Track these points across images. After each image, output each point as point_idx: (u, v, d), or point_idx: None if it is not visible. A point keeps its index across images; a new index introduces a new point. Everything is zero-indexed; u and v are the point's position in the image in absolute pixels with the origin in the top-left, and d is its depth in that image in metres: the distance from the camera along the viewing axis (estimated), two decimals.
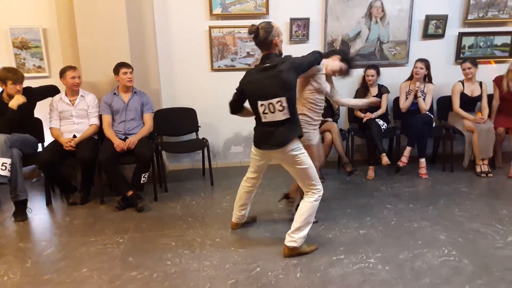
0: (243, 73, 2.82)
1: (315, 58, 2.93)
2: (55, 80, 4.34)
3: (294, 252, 2.96)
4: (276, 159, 2.96)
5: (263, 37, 2.76)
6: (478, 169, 4.58)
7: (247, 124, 4.93)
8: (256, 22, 4.61)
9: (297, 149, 2.84)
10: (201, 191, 4.33)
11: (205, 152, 4.59)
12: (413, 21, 4.91)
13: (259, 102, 2.79)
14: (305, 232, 2.95)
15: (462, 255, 2.96)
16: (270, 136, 2.82)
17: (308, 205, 2.93)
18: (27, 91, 3.97)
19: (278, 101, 2.72)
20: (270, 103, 2.74)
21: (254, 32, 2.79)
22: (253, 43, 4.63)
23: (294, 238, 2.93)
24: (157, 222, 3.61)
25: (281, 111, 2.74)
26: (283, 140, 2.79)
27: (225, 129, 5.03)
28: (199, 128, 4.76)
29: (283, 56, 2.89)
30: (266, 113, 2.79)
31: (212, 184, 4.50)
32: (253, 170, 3.23)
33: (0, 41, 4.56)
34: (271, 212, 3.75)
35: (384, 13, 4.84)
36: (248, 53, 4.78)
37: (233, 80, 4.80)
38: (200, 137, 4.73)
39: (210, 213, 3.77)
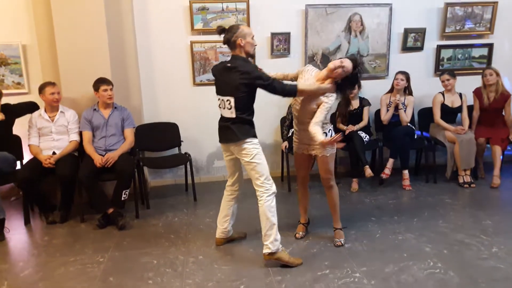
0: None
1: (283, 90, 2.94)
2: (34, 97, 4.26)
3: (272, 258, 2.97)
4: (234, 153, 3.08)
5: (226, 38, 2.94)
6: (461, 180, 4.62)
7: None
8: None
9: (250, 143, 2.96)
10: (183, 207, 4.27)
11: (188, 167, 4.54)
12: (392, 35, 4.98)
13: (217, 96, 3.04)
14: (273, 235, 2.95)
15: (448, 267, 2.95)
16: (223, 130, 3.07)
17: (261, 209, 2.97)
18: (5, 108, 3.90)
19: (227, 100, 2.93)
20: (222, 100, 2.98)
21: (220, 32, 2.97)
22: None
23: (266, 244, 2.96)
24: (139, 240, 3.53)
25: (229, 109, 2.94)
26: (233, 137, 2.97)
27: (208, 143, 4.99)
28: (182, 143, 4.71)
29: (250, 61, 3.03)
30: (220, 107, 3.03)
31: (195, 200, 4.44)
32: (228, 173, 3.29)
33: None
34: (255, 228, 3.68)
35: (363, 27, 4.90)
36: None
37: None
38: (183, 151, 4.68)
39: (193, 230, 3.71)
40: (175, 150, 4.72)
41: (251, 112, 3.01)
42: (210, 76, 4.77)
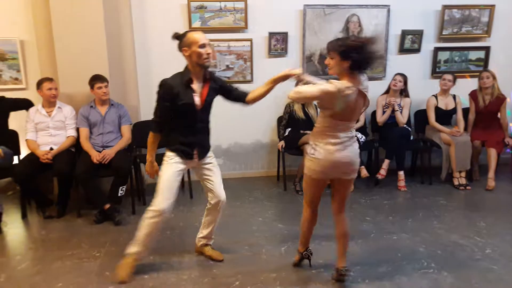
0: None
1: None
2: (32, 92, 4.26)
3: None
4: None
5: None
6: (456, 182, 4.64)
7: (227, 137, 4.95)
8: (235, 36, 4.72)
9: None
10: (179, 204, 4.26)
11: None
12: (389, 36, 5.00)
13: None
14: (135, 248, 2.92)
15: (441, 267, 2.98)
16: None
17: (143, 221, 2.91)
18: (0, 100, 3.91)
19: None
20: None
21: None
22: (232, 56, 4.74)
23: (129, 249, 2.93)
24: (135, 236, 3.53)
25: None
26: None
27: None
28: None
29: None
30: None
31: (192, 197, 4.45)
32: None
33: None
34: (251, 225, 3.72)
35: (361, 28, 4.92)
36: (227, 66, 4.80)
37: None
38: None
39: (189, 226, 3.72)
40: None
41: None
42: None
